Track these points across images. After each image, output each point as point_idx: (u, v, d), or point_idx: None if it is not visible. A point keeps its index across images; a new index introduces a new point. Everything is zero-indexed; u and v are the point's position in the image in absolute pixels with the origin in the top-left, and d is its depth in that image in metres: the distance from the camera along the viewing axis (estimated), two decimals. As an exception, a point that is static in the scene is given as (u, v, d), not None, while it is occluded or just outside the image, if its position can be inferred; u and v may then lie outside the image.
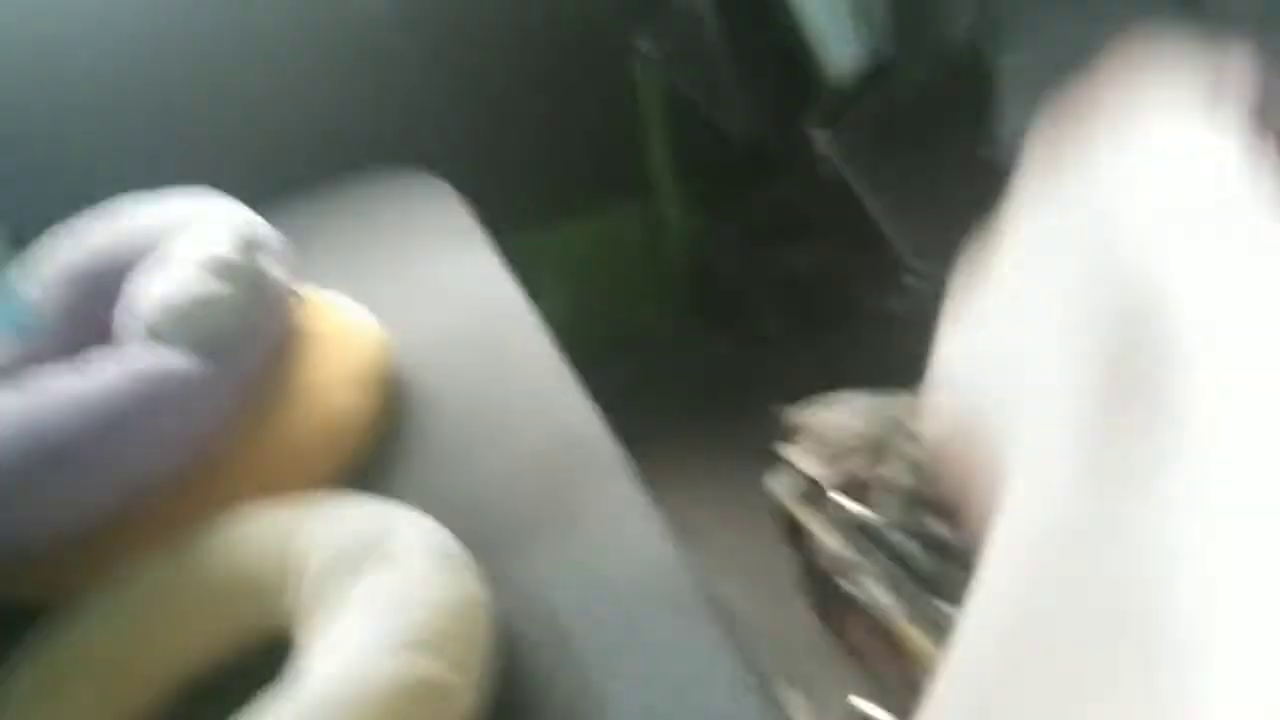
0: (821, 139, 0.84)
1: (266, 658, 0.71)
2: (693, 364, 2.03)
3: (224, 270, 0.81)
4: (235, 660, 0.71)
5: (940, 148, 0.78)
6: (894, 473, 1.18)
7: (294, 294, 0.93)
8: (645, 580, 0.72)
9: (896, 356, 1.59)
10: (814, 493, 1.28)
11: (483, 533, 0.79)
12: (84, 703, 0.66)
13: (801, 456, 1.28)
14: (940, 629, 1.08)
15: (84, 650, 0.68)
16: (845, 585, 1.22)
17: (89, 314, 0.89)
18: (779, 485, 1.34)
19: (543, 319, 1.95)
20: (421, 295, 1.17)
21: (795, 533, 1.33)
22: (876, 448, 1.24)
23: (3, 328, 0.90)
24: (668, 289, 2.11)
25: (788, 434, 1.33)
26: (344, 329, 0.96)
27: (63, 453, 0.70)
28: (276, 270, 0.91)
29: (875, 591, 1.16)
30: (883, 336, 1.94)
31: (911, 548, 1.15)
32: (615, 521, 0.79)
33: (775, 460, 1.35)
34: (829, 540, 1.24)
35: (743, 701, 0.65)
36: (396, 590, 0.64)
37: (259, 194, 1.44)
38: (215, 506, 0.77)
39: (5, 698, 0.65)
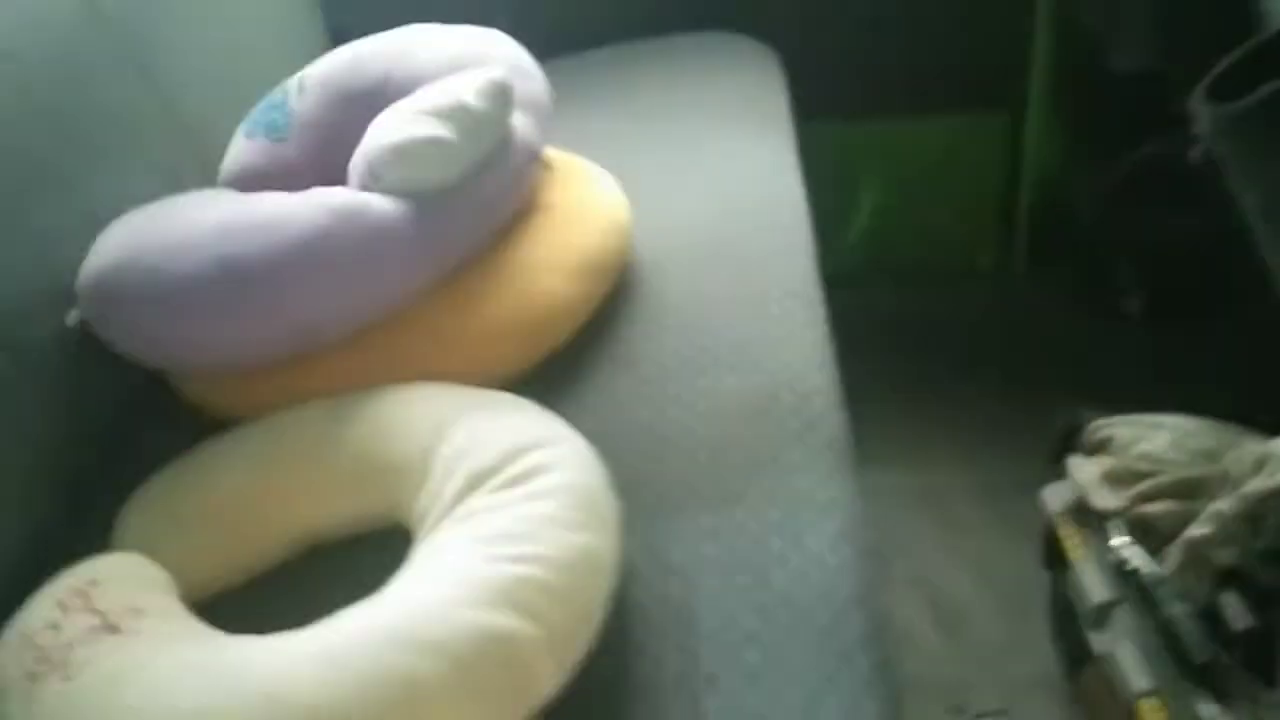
0: (1205, 115, 0.66)
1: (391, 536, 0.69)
2: (1009, 317, 1.82)
3: (456, 117, 0.77)
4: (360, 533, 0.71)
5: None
6: (1199, 527, 0.98)
7: (538, 158, 0.89)
8: (800, 590, 0.63)
9: (1263, 377, 1.33)
10: (1090, 518, 1.10)
11: (647, 479, 0.72)
12: (208, 541, 0.67)
13: (1090, 473, 1.10)
14: (1191, 728, 0.90)
15: (219, 490, 0.69)
16: (1093, 633, 1.05)
17: (342, 137, 0.89)
18: (1053, 495, 1.17)
19: (848, 223, 1.80)
20: (693, 179, 1.08)
21: (1056, 554, 1.16)
22: (1185, 490, 1.03)
23: (259, 132, 0.92)
24: (1005, 222, 1.88)
25: (1083, 442, 1.14)
26: (585, 205, 0.91)
27: (243, 274, 0.70)
28: (525, 129, 0.86)
29: (1124, 654, 0.99)
30: (1254, 345, 1.65)
31: (1186, 621, 0.96)
32: (795, 508, 0.69)
33: (1059, 465, 1.17)
34: (1090, 578, 1.07)
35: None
36: (519, 531, 0.59)
37: (579, 42, 1.40)
38: (392, 371, 0.75)
39: (138, 527, 0.67)
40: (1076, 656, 1.15)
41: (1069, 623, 1.14)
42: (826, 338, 0.85)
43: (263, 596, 0.67)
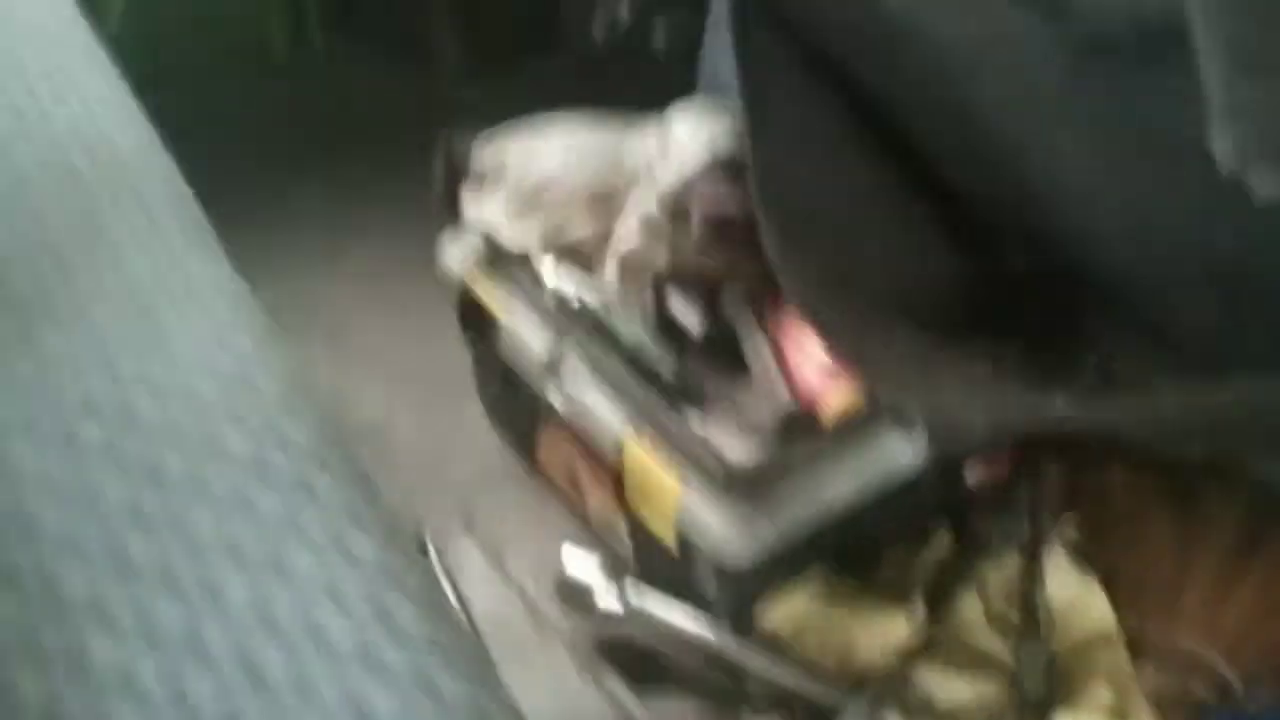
0: None
1: None
2: (331, 94, 1.59)
3: None
4: None
5: None
6: (628, 233, 0.88)
7: None
8: (209, 401, 0.38)
9: (614, 95, 1.26)
10: (507, 261, 0.96)
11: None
12: None
13: (492, 209, 0.95)
14: (677, 447, 0.82)
15: None
16: (541, 385, 0.92)
17: None
18: (453, 250, 1.00)
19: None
20: None
21: (474, 315, 1.00)
22: (600, 202, 0.93)
23: None
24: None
25: (473, 175, 0.98)
26: None
27: None
28: None
29: (592, 398, 0.88)
30: (588, 72, 1.62)
31: (645, 341, 0.87)
32: (177, 292, 0.43)
33: (449, 216, 1.01)
34: (528, 328, 0.93)
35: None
36: None
37: None
38: None
39: None
40: (527, 428, 1.03)
41: (511, 392, 1.01)
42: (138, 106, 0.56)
43: None
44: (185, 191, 0.55)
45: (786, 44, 0.61)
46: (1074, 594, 0.84)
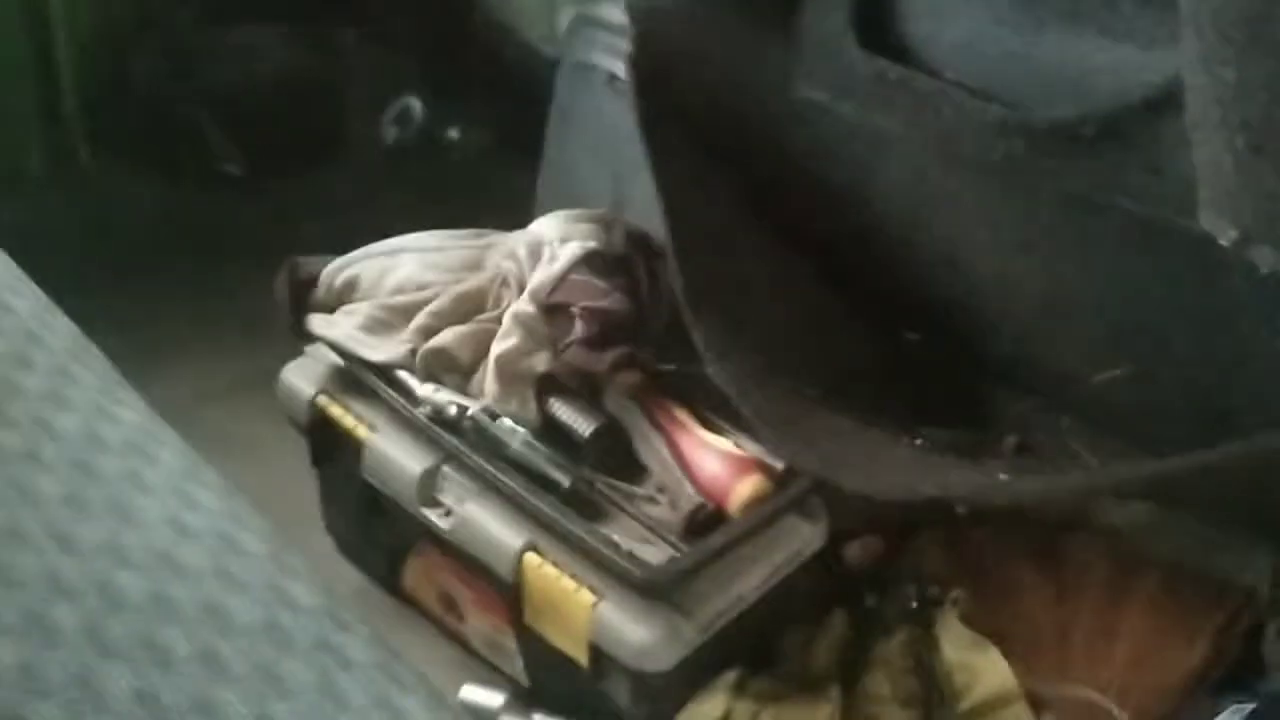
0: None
1: None
2: (101, 213, 1.48)
3: None
4: None
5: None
6: (502, 340, 0.86)
7: None
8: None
9: (412, 198, 1.23)
10: (367, 380, 0.91)
11: None
12: None
13: (347, 327, 0.90)
14: (588, 556, 0.79)
15: None
16: (413, 507, 0.87)
17: None
18: (303, 373, 0.94)
19: None
20: None
21: (328, 440, 0.95)
22: (467, 307, 0.90)
23: None
24: (49, 107, 1.50)
25: (321, 296, 0.93)
26: None
27: None
28: None
29: (479, 516, 0.84)
30: (385, 174, 1.58)
31: (535, 450, 0.84)
32: (114, 447, 0.38)
33: (291, 338, 0.95)
34: (399, 448, 0.88)
35: None
36: None
37: None
38: None
39: None
40: (393, 555, 0.97)
41: (374, 518, 0.95)
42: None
43: None
44: (76, 331, 0.49)
45: (690, 140, 0.62)
46: (971, 658, 0.87)
